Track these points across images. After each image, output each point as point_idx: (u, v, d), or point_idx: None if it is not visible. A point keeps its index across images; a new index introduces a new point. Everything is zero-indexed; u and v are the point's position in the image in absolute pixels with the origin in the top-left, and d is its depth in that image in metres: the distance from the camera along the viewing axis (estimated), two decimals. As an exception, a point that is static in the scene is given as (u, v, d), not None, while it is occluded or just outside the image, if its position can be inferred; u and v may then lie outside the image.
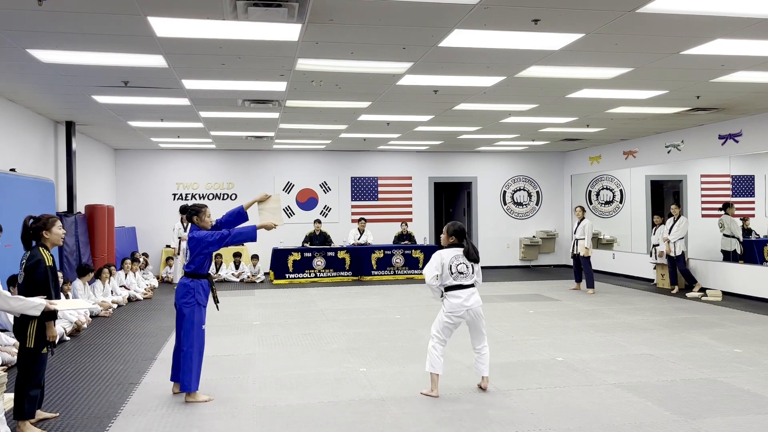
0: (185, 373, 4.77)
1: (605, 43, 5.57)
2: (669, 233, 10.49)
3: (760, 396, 4.83)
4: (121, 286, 10.08)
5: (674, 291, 10.56)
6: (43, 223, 4.32)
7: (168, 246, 13.18)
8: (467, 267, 4.97)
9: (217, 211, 13.80)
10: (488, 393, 4.95)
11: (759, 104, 8.74)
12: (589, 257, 10.72)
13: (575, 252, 10.92)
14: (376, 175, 14.80)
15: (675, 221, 10.43)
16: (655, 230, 11.22)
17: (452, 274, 4.92)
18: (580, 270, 10.96)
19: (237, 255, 13.00)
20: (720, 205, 10.83)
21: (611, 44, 5.62)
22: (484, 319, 5.04)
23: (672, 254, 10.46)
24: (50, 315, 4.02)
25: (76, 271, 8.96)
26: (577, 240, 10.90)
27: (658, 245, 11.19)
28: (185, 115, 9.24)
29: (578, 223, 10.96)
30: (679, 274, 10.61)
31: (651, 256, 11.46)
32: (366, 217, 14.46)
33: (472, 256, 4.99)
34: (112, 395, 5.00)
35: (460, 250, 5.00)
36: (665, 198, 13.32)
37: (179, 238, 11.57)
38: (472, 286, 4.99)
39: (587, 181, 14.68)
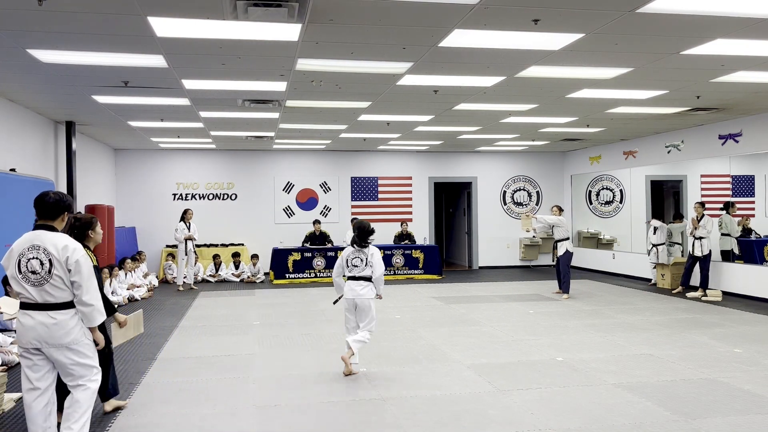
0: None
1: (605, 43, 5.57)
2: (691, 233, 10.11)
3: (760, 396, 4.83)
4: (128, 289, 10.12)
5: (675, 291, 10.51)
6: (88, 222, 4.38)
7: (168, 246, 13.19)
8: (360, 260, 5.63)
9: (217, 211, 13.91)
10: (488, 393, 4.96)
11: (759, 104, 8.74)
12: (566, 258, 10.05)
13: (557, 255, 10.23)
14: (376, 175, 14.80)
15: (699, 220, 10.03)
16: (655, 230, 11.22)
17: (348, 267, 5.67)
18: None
19: (236, 255, 12.99)
20: (721, 205, 10.82)
21: (611, 44, 5.62)
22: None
23: (699, 254, 10.00)
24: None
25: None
26: (556, 242, 10.24)
27: (657, 245, 11.19)
28: (185, 115, 9.24)
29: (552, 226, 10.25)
30: (693, 275, 10.39)
31: (649, 255, 11.45)
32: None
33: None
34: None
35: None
36: (665, 198, 13.32)
37: (185, 238, 11.51)
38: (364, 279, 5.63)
39: (587, 181, 14.69)
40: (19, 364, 5.94)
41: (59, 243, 3.48)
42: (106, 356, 4.48)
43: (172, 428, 4.26)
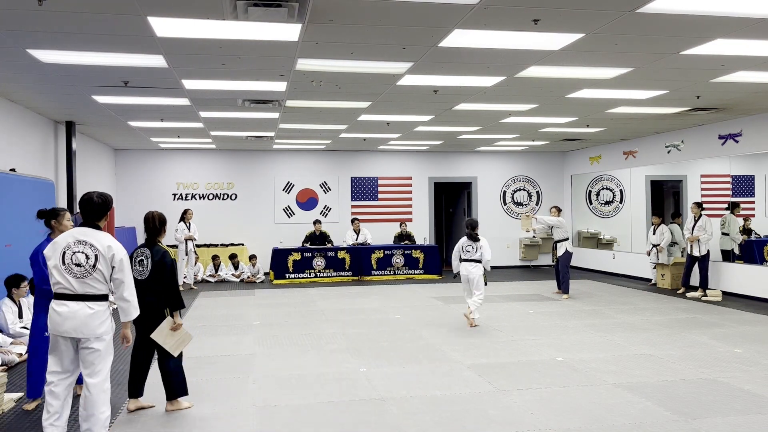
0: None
1: (605, 43, 5.57)
2: (692, 233, 10.09)
3: (760, 396, 4.83)
4: None
5: (681, 291, 10.47)
6: (165, 220, 4.83)
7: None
8: (472, 248, 7.66)
9: (217, 211, 13.91)
10: (488, 393, 4.96)
11: (759, 104, 8.74)
12: (566, 258, 10.07)
13: (557, 256, 10.29)
14: (376, 175, 14.80)
15: (696, 221, 10.05)
16: (655, 230, 11.21)
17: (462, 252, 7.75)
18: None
19: (233, 257, 12.93)
20: (721, 205, 10.81)
21: (611, 44, 5.62)
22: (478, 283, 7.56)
23: (697, 254, 10.01)
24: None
25: None
26: (556, 243, 10.30)
27: (657, 245, 11.18)
28: (185, 115, 9.24)
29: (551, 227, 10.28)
30: (692, 275, 10.35)
31: (649, 255, 11.45)
32: (366, 216, 14.48)
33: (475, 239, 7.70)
34: (112, 395, 4.99)
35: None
36: (665, 198, 13.32)
37: (185, 238, 11.50)
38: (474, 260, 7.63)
39: (587, 181, 14.68)
40: (18, 364, 5.95)
41: (105, 242, 3.74)
42: (148, 354, 4.61)
43: (172, 428, 4.26)
